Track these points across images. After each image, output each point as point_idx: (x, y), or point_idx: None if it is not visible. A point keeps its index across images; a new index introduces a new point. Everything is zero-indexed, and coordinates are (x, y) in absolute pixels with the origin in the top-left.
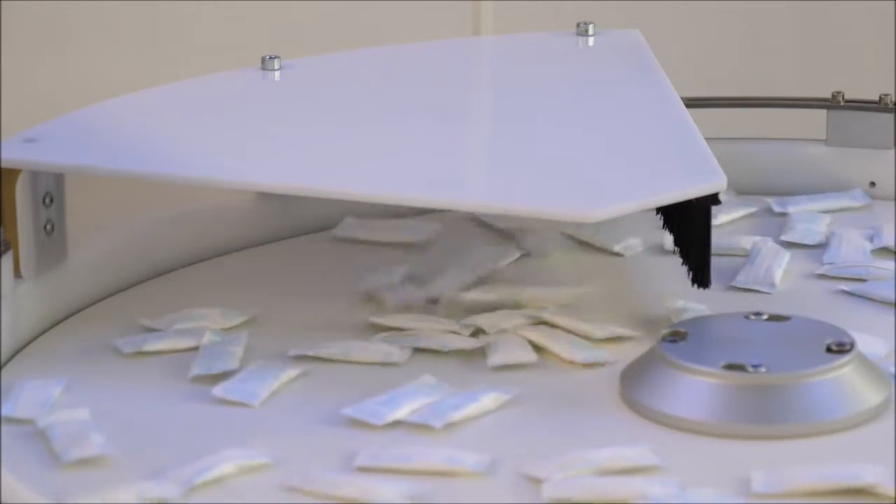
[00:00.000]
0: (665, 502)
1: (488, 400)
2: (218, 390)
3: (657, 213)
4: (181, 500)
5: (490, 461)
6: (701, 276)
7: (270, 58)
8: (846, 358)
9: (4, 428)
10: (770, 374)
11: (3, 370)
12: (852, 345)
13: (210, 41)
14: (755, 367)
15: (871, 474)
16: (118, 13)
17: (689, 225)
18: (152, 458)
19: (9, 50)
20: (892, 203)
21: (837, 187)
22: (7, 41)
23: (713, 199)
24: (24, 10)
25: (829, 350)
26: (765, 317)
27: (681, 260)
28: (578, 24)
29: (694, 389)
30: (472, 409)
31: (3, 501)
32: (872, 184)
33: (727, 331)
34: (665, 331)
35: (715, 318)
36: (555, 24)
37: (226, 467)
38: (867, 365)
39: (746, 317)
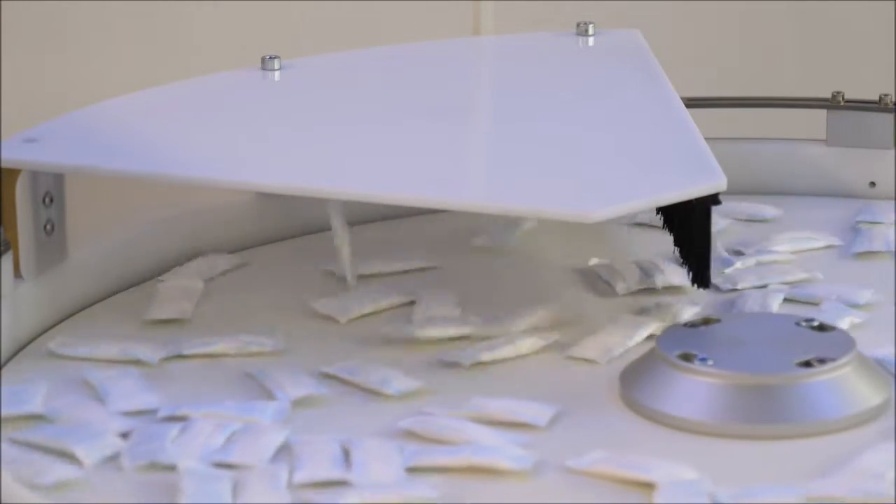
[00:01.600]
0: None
1: (525, 345)
2: (317, 304)
3: (657, 213)
4: (155, 365)
5: (413, 390)
6: (701, 277)
7: (270, 58)
8: (806, 371)
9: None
10: (713, 367)
11: (3, 370)
12: (828, 361)
13: (210, 41)
14: (702, 360)
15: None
16: (118, 13)
17: (689, 225)
18: (206, 333)
19: (9, 50)
20: (892, 203)
21: (837, 187)
22: (7, 41)
23: (713, 199)
24: (24, 10)
25: (804, 363)
26: (815, 323)
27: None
28: (578, 24)
29: (694, 389)
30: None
31: (3, 501)
32: (872, 184)
33: (749, 329)
34: (698, 317)
35: (756, 315)
36: (555, 24)
37: (224, 346)
38: (867, 365)
39: (798, 323)
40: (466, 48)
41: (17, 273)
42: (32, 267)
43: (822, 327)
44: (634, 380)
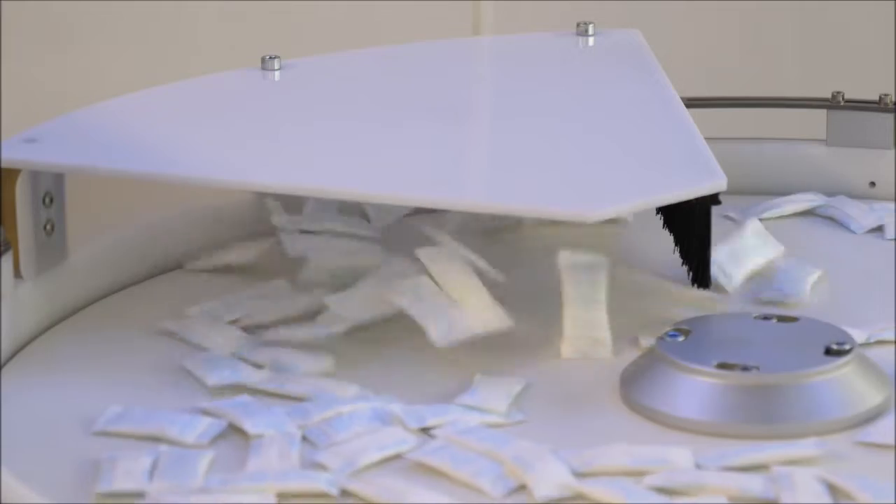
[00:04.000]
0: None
1: None
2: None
3: (657, 213)
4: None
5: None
6: (701, 277)
7: (270, 58)
8: (744, 374)
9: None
10: (664, 345)
11: (3, 370)
12: (752, 370)
13: (210, 41)
14: (672, 336)
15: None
16: (118, 13)
17: (689, 225)
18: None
19: (9, 50)
20: (893, 203)
21: (837, 187)
22: (7, 41)
23: (713, 199)
24: (24, 10)
25: (724, 366)
26: (846, 347)
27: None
28: (578, 24)
29: (694, 389)
30: None
31: (3, 502)
32: (872, 184)
33: (777, 334)
34: (772, 312)
35: (816, 324)
36: (555, 24)
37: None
38: (867, 365)
39: (827, 345)
40: (466, 48)
41: (17, 273)
42: (32, 267)
43: (847, 353)
44: (634, 380)
